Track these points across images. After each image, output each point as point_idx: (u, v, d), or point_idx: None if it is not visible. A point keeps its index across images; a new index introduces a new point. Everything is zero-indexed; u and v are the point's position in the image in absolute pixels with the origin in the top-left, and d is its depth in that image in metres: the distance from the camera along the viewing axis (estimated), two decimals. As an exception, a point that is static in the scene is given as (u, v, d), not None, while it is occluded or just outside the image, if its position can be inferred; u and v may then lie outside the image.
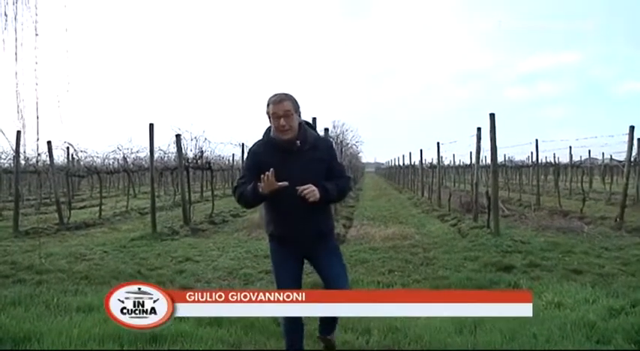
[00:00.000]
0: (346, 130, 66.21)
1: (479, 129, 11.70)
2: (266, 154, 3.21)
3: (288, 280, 3.27)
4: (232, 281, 6.49)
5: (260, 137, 3.34)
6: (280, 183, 3.04)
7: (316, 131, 3.39)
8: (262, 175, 3.03)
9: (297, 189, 3.08)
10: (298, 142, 3.18)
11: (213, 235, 10.91)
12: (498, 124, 10.08)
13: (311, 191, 3.08)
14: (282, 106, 3.14)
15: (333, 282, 3.25)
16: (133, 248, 8.88)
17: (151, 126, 11.16)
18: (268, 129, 3.29)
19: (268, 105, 3.18)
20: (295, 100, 3.22)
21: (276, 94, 3.18)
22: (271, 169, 3.02)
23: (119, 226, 12.76)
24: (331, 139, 3.94)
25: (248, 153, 3.38)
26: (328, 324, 3.48)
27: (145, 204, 16.84)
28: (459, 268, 6.97)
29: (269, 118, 3.21)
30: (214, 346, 3.94)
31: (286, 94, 3.20)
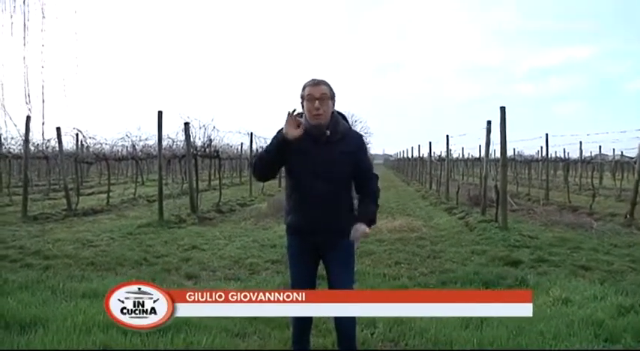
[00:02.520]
0: (355, 122, 66.18)
1: (489, 122, 11.60)
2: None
3: (302, 276, 3.22)
4: (238, 270, 6.48)
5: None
6: (300, 128, 2.96)
7: (349, 123, 3.28)
8: (288, 112, 2.94)
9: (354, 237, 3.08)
10: (328, 131, 3.09)
11: (220, 223, 10.93)
12: (508, 118, 9.99)
13: (363, 232, 3.08)
14: (319, 89, 3.07)
15: (338, 287, 3.15)
16: (139, 235, 8.90)
17: (160, 114, 11.15)
18: (300, 114, 3.20)
19: (304, 88, 3.10)
20: (331, 87, 3.14)
21: (313, 79, 3.13)
22: (294, 108, 2.96)
23: (126, 213, 12.81)
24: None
25: (276, 134, 3.20)
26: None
27: (153, 191, 16.91)
28: (466, 262, 6.92)
29: (303, 101, 3.12)
30: (218, 335, 3.92)
31: (324, 80, 3.14)
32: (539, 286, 5.31)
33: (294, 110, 2.97)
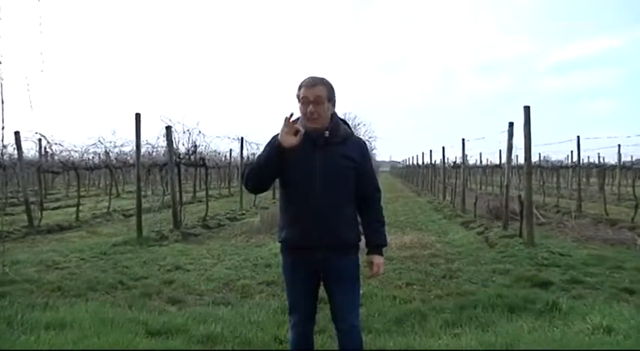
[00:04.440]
0: (358, 125, 66.17)
1: (511, 124, 11.56)
2: None
3: (301, 300, 3.22)
4: (228, 294, 6.44)
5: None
6: (298, 136, 2.94)
7: (351, 129, 3.30)
8: (285, 118, 2.94)
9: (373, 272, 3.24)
10: (326, 132, 3.11)
11: (207, 240, 10.91)
12: (533, 118, 9.96)
13: (379, 269, 3.26)
14: (314, 91, 3.07)
15: (341, 313, 3.19)
16: (114, 255, 8.85)
17: (138, 116, 11.12)
18: (295, 120, 3.17)
19: (300, 88, 3.12)
20: (331, 87, 3.15)
21: (310, 77, 3.13)
22: (291, 112, 2.95)
23: (99, 229, 12.76)
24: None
25: (270, 140, 3.23)
26: None
27: (130, 205, 16.82)
28: (487, 283, 6.89)
29: (299, 102, 3.14)
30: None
31: (322, 79, 3.14)
32: (574, 312, 5.24)
33: (292, 115, 2.96)
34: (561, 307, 5.44)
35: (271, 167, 3.05)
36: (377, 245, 3.27)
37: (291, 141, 2.93)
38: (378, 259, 3.24)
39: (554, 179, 23.89)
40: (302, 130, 2.94)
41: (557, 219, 14.23)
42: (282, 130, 2.94)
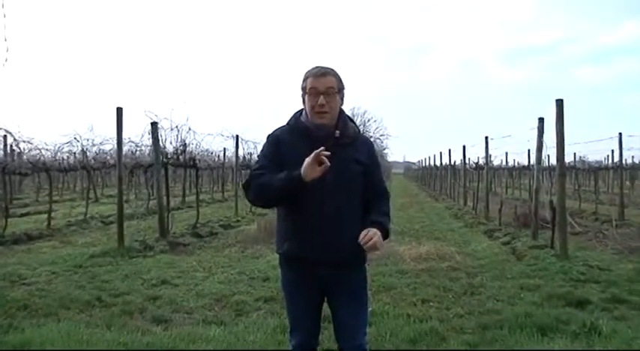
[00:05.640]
0: (368, 121, 66.46)
1: (541, 120, 11.55)
2: (292, 142, 3.07)
3: (303, 318, 3.24)
4: (221, 311, 6.46)
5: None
6: (322, 168, 2.88)
7: (356, 126, 3.29)
8: (315, 152, 2.84)
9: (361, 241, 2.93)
10: (337, 132, 3.10)
11: (197, 251, 10.94)
12: (567, 113, 9.92)
13: (374, 237, 2.93)
14: (325, 81, 3.08)
15: (347, 332, 3.20)
16: (92, 268, 8.85)
17: (119, 111, 11.12)
18: (297, 113, 3.22)
19: (306, 78, 3.11)
20: (340, 79, 3.17)
21: (318, 66, 3.14)
22: (323, 147, 2.86)
23: (74, 239, 12.77)
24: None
25: (267, 139, 3.24)
26: None
27: (110, 211, 16.94)
28: (514, 301, 6.87)
29: (304, 95, 3.13)
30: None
31: (331, 69, 3.15)
32: (617, 336, 5.19)
33: (324, 149, 2.87)
34: (601, 330, 5.37)
35: (286, 196, 3.03)
36: (376, 224, 3.07)
37: (315, 174, 2.89)
38: (375, 233, 2.96)
39: (592, 182, 23.79)
40: (327, 164, 2.87)
41: (595, 228, 14.17)
42: (307, 164, 2.87)
